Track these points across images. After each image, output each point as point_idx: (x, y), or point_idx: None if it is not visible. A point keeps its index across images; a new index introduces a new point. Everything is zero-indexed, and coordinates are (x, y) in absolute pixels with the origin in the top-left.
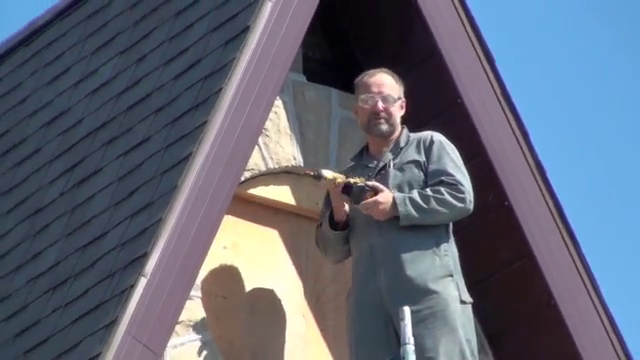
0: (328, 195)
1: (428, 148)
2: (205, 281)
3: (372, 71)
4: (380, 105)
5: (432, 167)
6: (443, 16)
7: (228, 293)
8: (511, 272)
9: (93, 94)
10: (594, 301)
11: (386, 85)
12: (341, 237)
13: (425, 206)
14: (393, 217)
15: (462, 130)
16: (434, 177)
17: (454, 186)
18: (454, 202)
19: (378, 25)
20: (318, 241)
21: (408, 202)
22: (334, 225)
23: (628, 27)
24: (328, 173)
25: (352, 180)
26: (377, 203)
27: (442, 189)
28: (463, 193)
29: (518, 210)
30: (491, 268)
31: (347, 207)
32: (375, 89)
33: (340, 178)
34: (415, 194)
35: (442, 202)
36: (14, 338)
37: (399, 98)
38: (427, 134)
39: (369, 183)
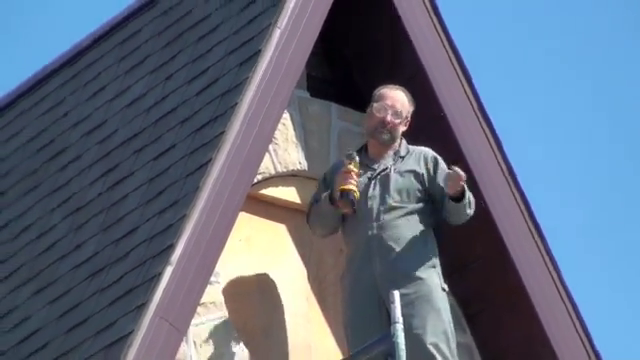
0: (324, 180)
1: (434, 166)
2: (223, 268)
3: (393, 86)
4: (389, 118)
5: (440, 180)
6: (427, 40)
7: (242, 279)
8: (487, 262)
9: (126, 108)
10: (558, 287)
11: (400, 102)
12: (337, 213)
13: (470, 199)
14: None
15: (444, 140)
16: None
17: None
18: (474, 206)
19: (372, 48)
20: (310, 218)
21: (467, 189)
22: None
23: (597, 38)
24: (355, 157)
25: (354, 190)
26: (463, 177)
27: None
28: (474, 201)
29: (493, 209)
30: (470, 258)
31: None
32: (389, 102)
33: (355, 167)
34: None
35: (473, 200)
36: (58, 318)
37: (406, 117)
38: (427, 150)
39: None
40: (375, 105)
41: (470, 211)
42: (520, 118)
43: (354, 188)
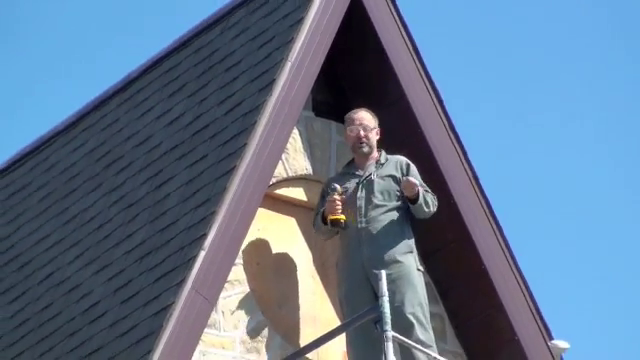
0: (322, 194)
1: (407, 169)
2: (245, 252)
3: (355, 110)
4: (362, 133)
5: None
6: (408, 73)
7: (261, 261)
8: (455, 247)
9: (169, 125)
10: (511, 267)
11: (365, 119)
12: (328, 228)
13: (427, 200)
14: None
15: (421, 150)
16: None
17: (433, 195)
18: (435, 204)
19: (364, 78)
20: (315, 225)
21: (422, 193)
22: (324, 220)
23: (552, 61)
24: (338, 188)
25: (340, 217)
26: (415, 185)
27: (429, 194)
28: (436, 199)
29: (460, 205)
30: (442, 244)
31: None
32: (357, 122)
33: (339, 195)
34: (424, 192)
35: (432, 201)
36: (114, 292)
37: (374, 127)
38: (402, 158)
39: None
40: (348, 128)
41: (428, 209)
42: (482, 133)
43: (341, 217)
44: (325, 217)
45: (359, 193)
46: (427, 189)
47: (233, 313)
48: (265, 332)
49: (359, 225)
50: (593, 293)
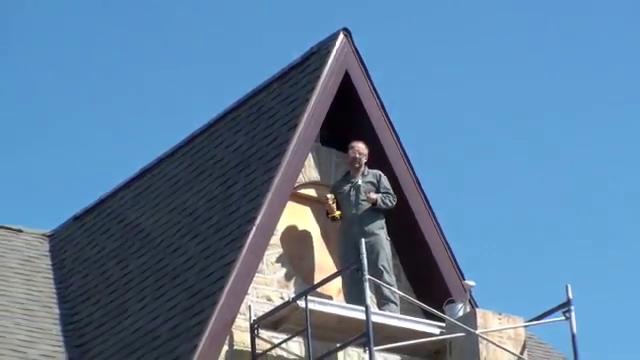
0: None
1: (379, 179)
2: (280, 227)
3: (357, 141)
4: (357, 156)
5: (382, 186)
6: (377, 118)
7: (290, 232)
8: (406, 226)
9: (233, 151)
10: (440, 236)
11: (361, 148)
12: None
13: (385, 201)
14: (371, 203)
15: (388, 171)
16: (385, 190)
17: (392, 196)
18: (392, 201)
19: (350, 123)
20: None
21: (380, 198)
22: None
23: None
24: (330, 196)
25: (336, 214)
26: (372, 199)
27: (389, 196)
28: (395, 198)
29: (409, 199)
30: (398, 223)
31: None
32: (356, 148)
33: (332, 200)
34: (382, 196)
35: (389, 200)
36: (200, 252)
37: (366, 154)
38: (377, 171)
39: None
40: (350, 151)
41: (386, 205)
42: (433, 153)
43: (336, 214)
44: (327, 214)
45: (352, 192)
46: (389, 192)
47: (273, 264)
48: (292, 275)
49: (352, 212)
50: (494, 248)
